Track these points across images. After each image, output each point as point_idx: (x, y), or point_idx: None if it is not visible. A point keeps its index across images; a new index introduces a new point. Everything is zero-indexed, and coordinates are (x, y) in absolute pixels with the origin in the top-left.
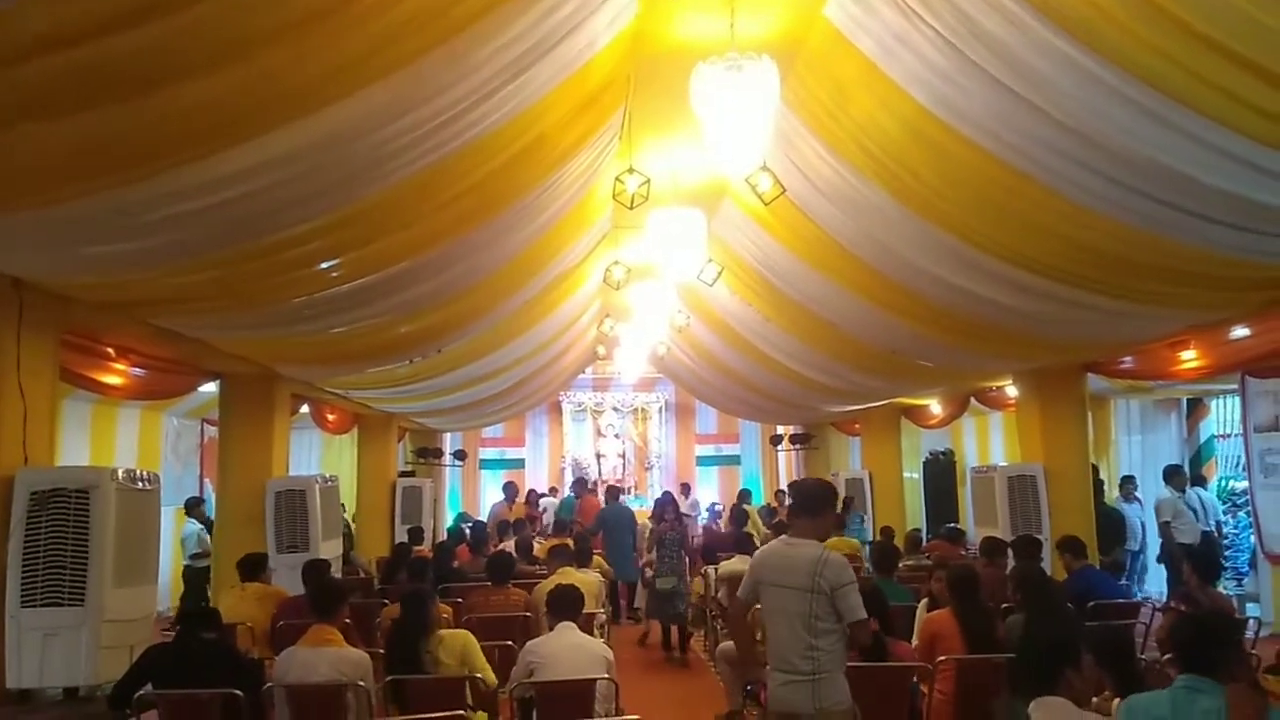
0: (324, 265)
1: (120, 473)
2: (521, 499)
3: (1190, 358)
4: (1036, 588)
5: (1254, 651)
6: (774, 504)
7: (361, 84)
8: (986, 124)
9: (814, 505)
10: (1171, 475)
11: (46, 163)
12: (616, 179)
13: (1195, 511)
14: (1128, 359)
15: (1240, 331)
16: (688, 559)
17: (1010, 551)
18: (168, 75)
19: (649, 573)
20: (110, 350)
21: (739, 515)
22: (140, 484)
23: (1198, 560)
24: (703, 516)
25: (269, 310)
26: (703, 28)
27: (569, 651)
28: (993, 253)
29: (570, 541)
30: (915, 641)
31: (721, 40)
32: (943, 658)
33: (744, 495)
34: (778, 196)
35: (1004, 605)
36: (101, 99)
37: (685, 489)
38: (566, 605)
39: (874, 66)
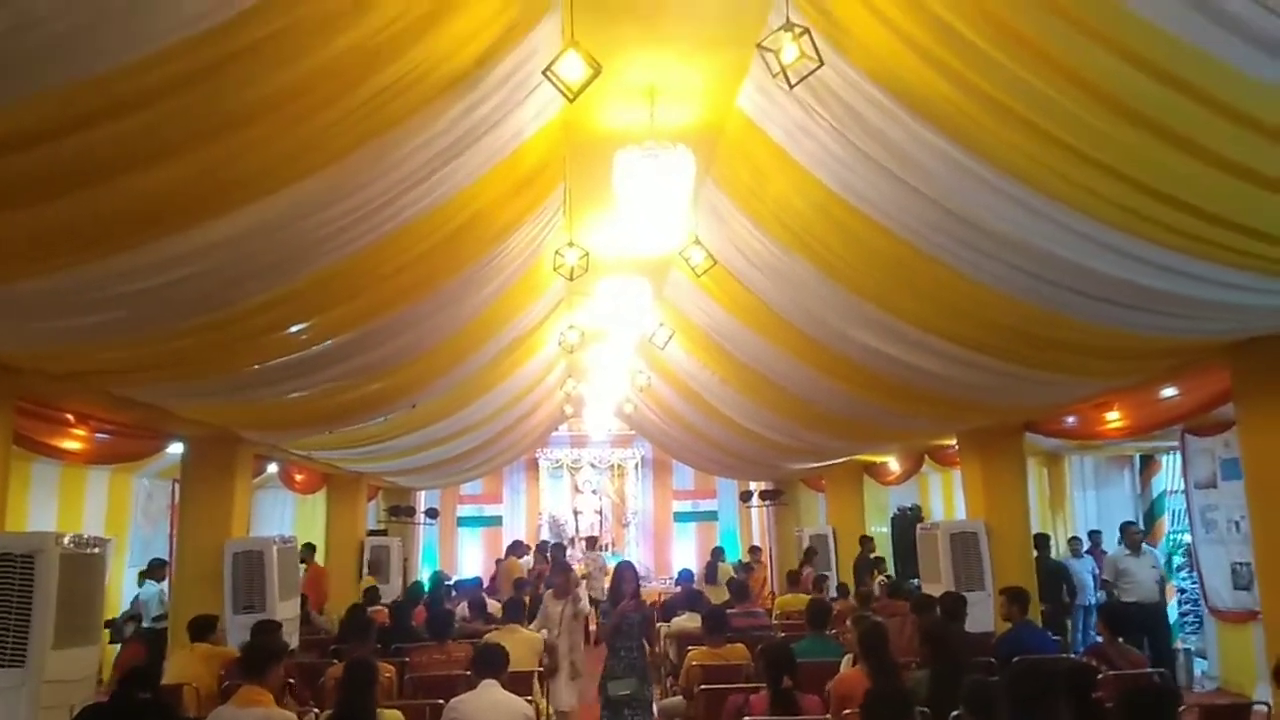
0: (275, 336)
1: (66, 538)
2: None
3: (1115, 418)
4: (940, 643)
5: None
6: (748, 560)
7: (296, 177)
8: (884, 207)
9: None
10: (1122, 531)
11: (6, 246)
12: (556, 252)
13: (1156, 569)
14: (1066, 419)
15: (1167, 391)
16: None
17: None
18: (120, 169)
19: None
20: (70, 416)
21: (709, 572)
22: (87, 549)
23: (1108, 616)
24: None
25: (224, 378)
26: (627, 118)
27: (489, 709)
28: (909, 321)
29: (526, 599)
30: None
31: (643, 129)
32: (847, 711)
33: (717, 553)
34: (709, 269)
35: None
36: (59, 190)
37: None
38: (489, 663)
39: (784, 152)
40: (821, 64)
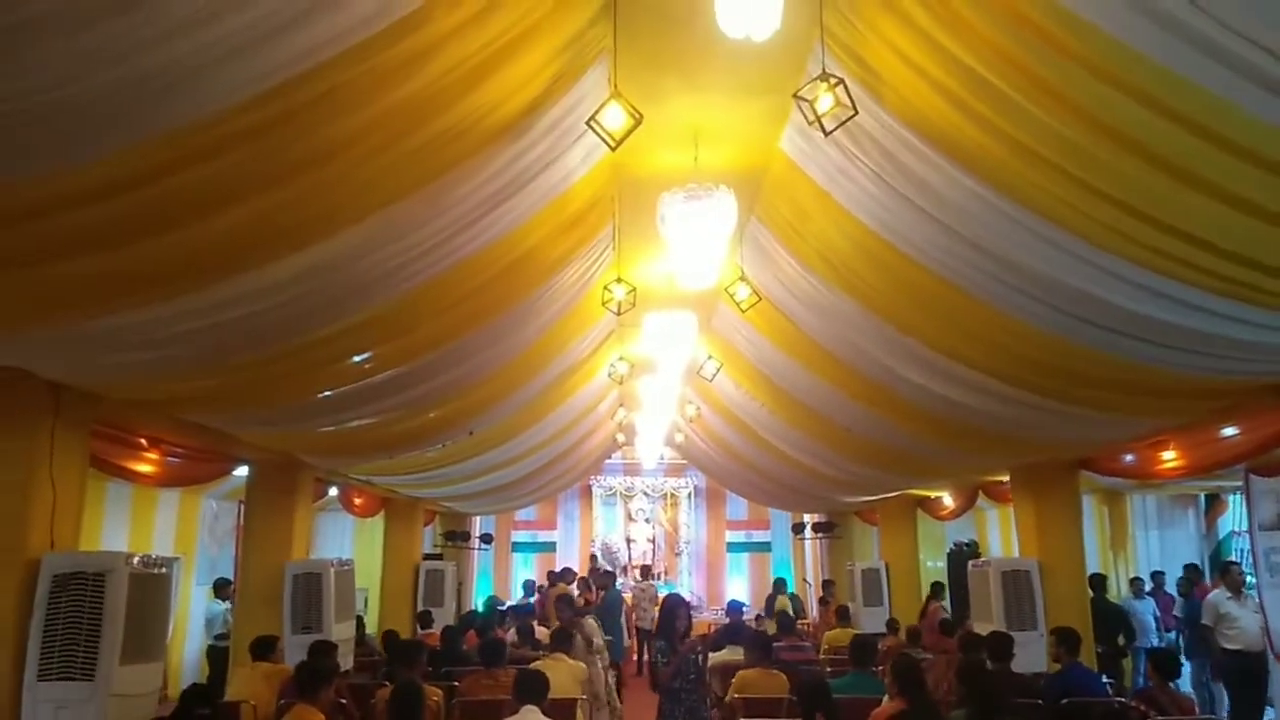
0: (339, 366)
1: (135, 558)
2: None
3: (1171, 457)
4: (974, 682)
5: None
6: (821, 594)
7: (360, 217)
8: (921, 246)
9: None
10: (1223, 572)
11: (89, 286)
12: (605, 288)
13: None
14: (1122, 457)
15: (1227, 431)
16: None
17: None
18: (197, 213)
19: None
20: (142, 440)
21: (769, 605)
22: (154, 568)
23: (1158, 659)
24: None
25: (289, 406)
26: (673, 159)
27: None
28: (947, 354)
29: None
30: None
31: (689, 169)
32: None
33: (780, 585)
34: (754, 305)
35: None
36: (139, 234)
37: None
38: (530, 689)
39: (825, 193)
40: (856, 112)
